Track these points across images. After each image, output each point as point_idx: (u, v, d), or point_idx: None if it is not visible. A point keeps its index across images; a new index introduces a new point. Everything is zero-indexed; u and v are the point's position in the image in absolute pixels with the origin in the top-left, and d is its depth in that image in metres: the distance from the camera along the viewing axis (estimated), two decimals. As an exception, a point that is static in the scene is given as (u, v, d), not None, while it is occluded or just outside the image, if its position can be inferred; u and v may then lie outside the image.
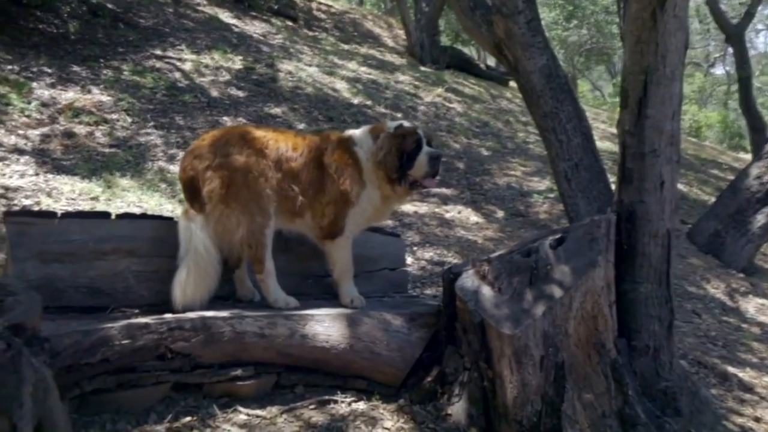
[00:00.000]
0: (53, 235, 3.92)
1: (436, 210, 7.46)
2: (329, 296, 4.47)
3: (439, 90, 12.52)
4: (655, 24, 3.59)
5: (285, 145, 4.18)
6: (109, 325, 3.59)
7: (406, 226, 6.93)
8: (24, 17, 11.11)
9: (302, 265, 4.56)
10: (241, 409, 3.80)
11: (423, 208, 7.50)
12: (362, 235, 4.76)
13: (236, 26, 14.19)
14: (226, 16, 14.71)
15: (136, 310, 4.01)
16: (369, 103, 11.07)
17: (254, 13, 15.81)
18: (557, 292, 3.72)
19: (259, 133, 4.19)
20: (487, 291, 3.86)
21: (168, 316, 3.81)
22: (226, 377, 3.84)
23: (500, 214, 7.58)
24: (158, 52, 11.21)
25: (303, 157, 4.19)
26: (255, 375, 3.93)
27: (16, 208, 5.99)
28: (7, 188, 6.39)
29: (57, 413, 2.93)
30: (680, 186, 7.91)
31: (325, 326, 4.00)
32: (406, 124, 4.32)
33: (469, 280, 3.97)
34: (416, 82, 12.89)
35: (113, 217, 4.13)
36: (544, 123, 6.52)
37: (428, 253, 6.37)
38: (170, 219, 4.22)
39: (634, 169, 3.89)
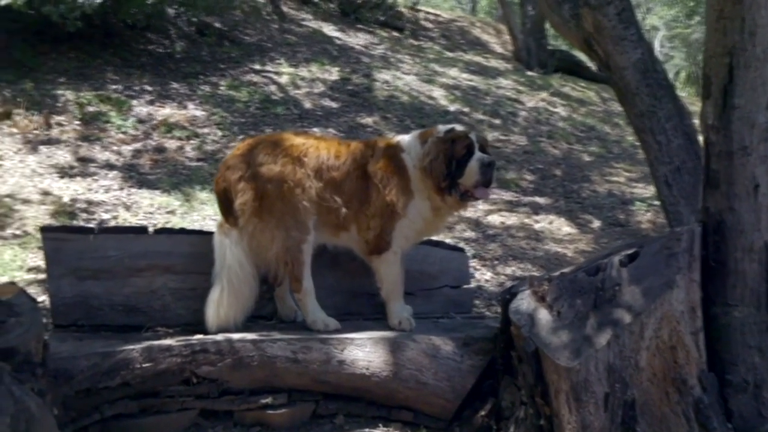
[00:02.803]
0: (89, 251, 3.82)
1: (525, 221, 6.91)
2: (381, 316, 4.09)
3: (543, 94, 11.85)
4: (741, -6, 2.99)
5: (326, 152, 3.87)
6: (130, 347, 3.41)
7: (489, 239, 6.44)
8: (135, 39, 11.55)
9: (352, 282, 4.23)
10: (271, 440, 3.50)
11: (511, 218, 6.97)
12: (421, 250, 4.39)
13: (339, 39, 14.16)
14: (330, 30, 14.73)
15: (171, 330, 3.82)
16: (466, 110, 10.62)
17: (360, 26, 15.76)
18: (626, 317, 3.16)
19: (298, 140, 3.90)
20: (544, 315, 3.35)
21: (194, 338, 3.59)
22: (256, 405, 3.57)
23: (597, 224, 6.91)
24: (257, 66, 11.31)
25: (346, 166, 3.86)
26: (289, 403, 3.64)
27: (95, 222, 6.08)
28: (90, 202, 6.51)
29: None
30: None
31: (365, 351, 3.63)
32: (458, 127, 3.89)
33: (525, 301, 3.47)
34: (519, 87, 12.29)
35: (151, 231, 3.97)
36: (641, 123, 5.85)
37: (510, 269, 5.85)
38: (209, 233, 4.00)
39: (721, 170, 3.25)
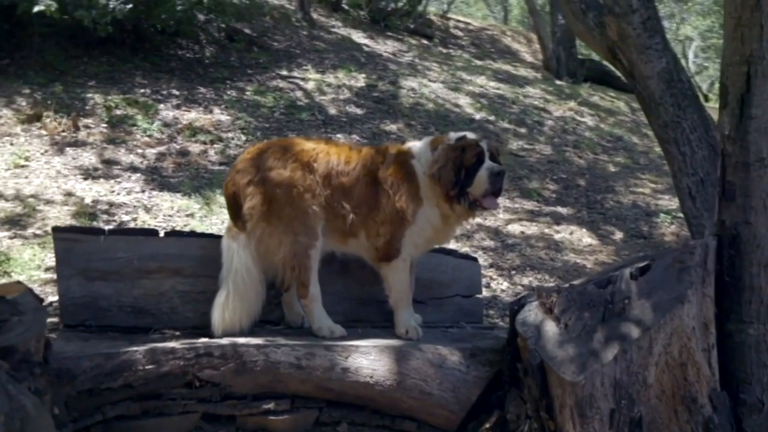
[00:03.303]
0: (99, 252, 3.84)
1: (546, 231, 6.80)
2: (390, 324, 4.03)
3: (571, 104, 11.71)
4: (759, 1, 2.89)
5: (336, 158, 3.84)
6: (134, 348, 3.42)
7: (508, 248, 6.36)
8: (166, 45, 11.69)
9: (361, 289, 4.19)
10: (272, 446, 3.47)
11: (532, 228, 6.87)
12: (433, 258, 4.34)
13: (367, 46, 14.18)
14: (359, 37, 14.76)
15: (178, 333, 3.82)
16: (492, 118, 10.54)
17: (390, 33, 15.76)
18: (634, 331, 3.07)
19: (308, 145, 3.88)
20: (551, 327, 3.28)
21: (198, 341, 3.59)
22: (258, 410, 3.54)
23: (619, 235, 6.79)
24: (284, 72, 11.37)
25: (356, 171, 3.83)
26: (292, 409, 3.60)
27: (114, 224, 6.14)
28: (111, 204, 6.58)
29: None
30: None
31: (370, 359, 3.59)
32: (470, 135, 3.84)
33: (532, 313, 3.40)
34: (547, 96, 12.17)
35: (161, 234, 3.98)
36: (665, 134, 5.72)
37: (527, 279, 5.77)
38: (219, 237, 4.00)
39: (737, 182, 3.15)
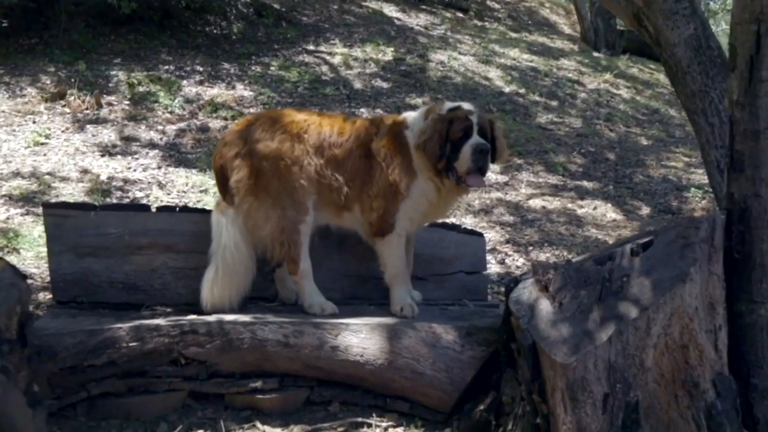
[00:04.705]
0: (89, 228, 3.79)
1: (569, 205, 6.55)
2: (388, 302, 3.89)
3: (607, 76, 11.28)
4: (769, -48, 2.63)
5: (329, 129, 3.70)
6: (117, 325, 3.36)
7: (527, 223, 6.14)
8: (193, 21, 11.66)
9: (360, 265, 4.05)
10: (258, 425, 3.40)
11: (554, 203, 6.63)
12: (435, 233, 4.19)
13: (399, 19, 13.91)
14: (390, 10, 14.48)
15: (169, 309, 3.76)
16: (522, 91, 10.23)
17: (424, 7, 15.44)
18: (632, 311, 2.87)
19: (299, 116, 3.75)
20: (545, 306, 3.09)
21: (185, 318, 3.51)
22: (246, 389, 3.46)
23: (645, 210, 6.49)
24: (311, 47, 11.23)
25: (349, 143, 3.68)
26: (281, 388, 3.51)
27: (127, 200, 6.12)
28: (126, 180, 6.57)
29: (16, 418, 2.70)
30: None
31: (360, 337, 3.47)
32: (465, 106, 3.64)
33: (527, 291, 3.22)
34: (582, 68, 11.76)
35: (153, 210, 3.91)
36: (692, 104, 5.41)
37: (544, 255, 5.56)
38: (211, 212, 3.91)
39: (746, 152, 2.90)
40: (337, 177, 3.65)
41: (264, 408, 3.48)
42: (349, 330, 3.48)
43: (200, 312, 3.66)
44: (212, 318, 3.50)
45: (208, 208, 4.16)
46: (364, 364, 3.45)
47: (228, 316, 3.51)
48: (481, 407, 3.40)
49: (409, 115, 3.74)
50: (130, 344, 3.33)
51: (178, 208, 3.99)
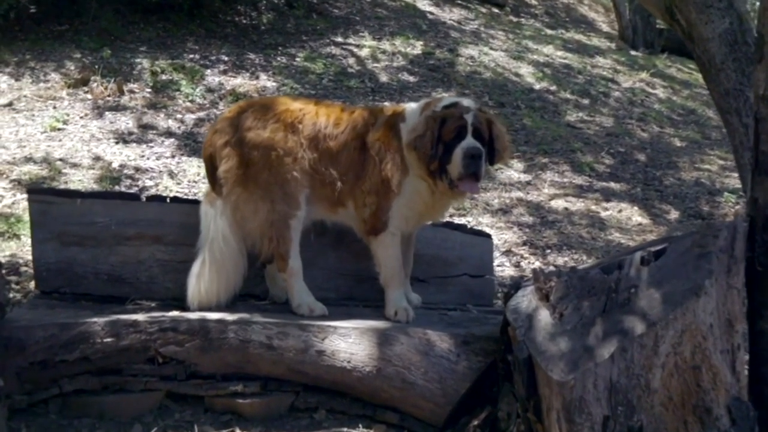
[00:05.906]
0: (75, 215, 3.65)
1: (592, 207, 6.23)
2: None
3: (643, 74, 10.86)
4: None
5: (325, 119, 3.48)
6: (93, 320, 3.20)
7: (547, 225, 5.84)
8: (223, 11, 11.55)
9: (357, 264, 3.83)
10: (238, 431, 3.19)
11: (578, 204, 6.32)
12: (439, 233, 3.96)
13: (432, 13, 13.64)
14: (423, 4, 14.21)
15: (155, 304, 3.59)
16: (553, 88, 9.89)
17: (459, 1, 15.15)
18: (638, 326, 2.60)
19: (294, 105, 3.54)
20: (544, 316, 2.84)
21: (167, 314, 3.33)
22: (226, 392, 3.27)
23: (674, 215, 6.14)
24: (339, 39, 11.03)
25: (345, 135, 3.46)
26: (264, 392, 3.31)
27: (135, 189, 6.00)
28: (138, 169, 6.46)
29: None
30: None
31: (348, 342, 3.26)
32: (464, 102, 3.38)
33: (526, 299, 2.97)
34: (618, 67, 11.36)
35: (143, 199, 3.75)
36: (726, 103, 5.09)
37: (563, 258, 5.27)
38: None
39: (772, 153, 2.61)
40: (331, 171, 3.45)
41: (245, 413, 3.29)
42: (336, 334, 3.26)
43: (185, 308, 3.48)
44: (194, 315, 3.32)
45: (199, 198, 3.98)
46: (351, 370, 3.23)
47: (211, 314, 3.33)
48: (475, 422, 3.16)
49: (408, 107, 3.50)
50: (105, 340, 3.17)
51: (168, 199, 3.81)
